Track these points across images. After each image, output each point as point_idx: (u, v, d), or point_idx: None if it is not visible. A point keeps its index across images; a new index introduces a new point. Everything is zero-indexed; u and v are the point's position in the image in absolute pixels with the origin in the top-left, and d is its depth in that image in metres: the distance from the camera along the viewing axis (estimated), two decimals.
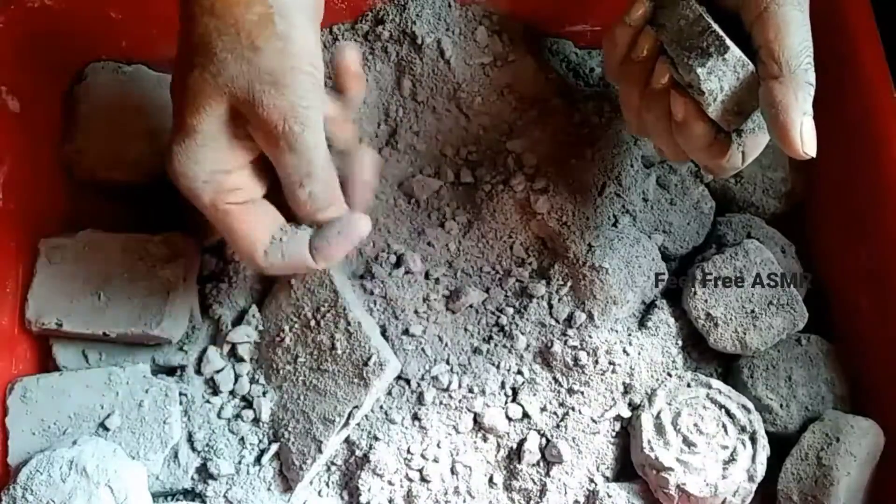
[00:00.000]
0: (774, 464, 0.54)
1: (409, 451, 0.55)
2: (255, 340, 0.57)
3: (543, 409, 0.55)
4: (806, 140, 0.44)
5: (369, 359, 0.53)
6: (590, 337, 0.55)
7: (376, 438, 0.55)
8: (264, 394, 0.56)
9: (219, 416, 0.56)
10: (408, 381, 0.56)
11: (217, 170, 0.46)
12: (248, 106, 0.44)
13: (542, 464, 0.55)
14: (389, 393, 0.56)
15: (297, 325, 0.56)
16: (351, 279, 0.58)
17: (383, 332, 0.57)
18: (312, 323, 0.55)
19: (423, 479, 0.55)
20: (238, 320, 0.58)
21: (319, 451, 0.53)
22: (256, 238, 0.48)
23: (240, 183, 0.47)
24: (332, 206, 0.49)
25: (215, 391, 0.56)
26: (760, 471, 0.53)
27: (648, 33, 0.48)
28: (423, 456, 0.55)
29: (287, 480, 0.55)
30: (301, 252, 0.49)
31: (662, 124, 0.49)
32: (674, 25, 0.47)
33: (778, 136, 0.44)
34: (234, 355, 0.57)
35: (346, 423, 0.54)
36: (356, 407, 0.54)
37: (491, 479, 0.55)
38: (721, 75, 0.46)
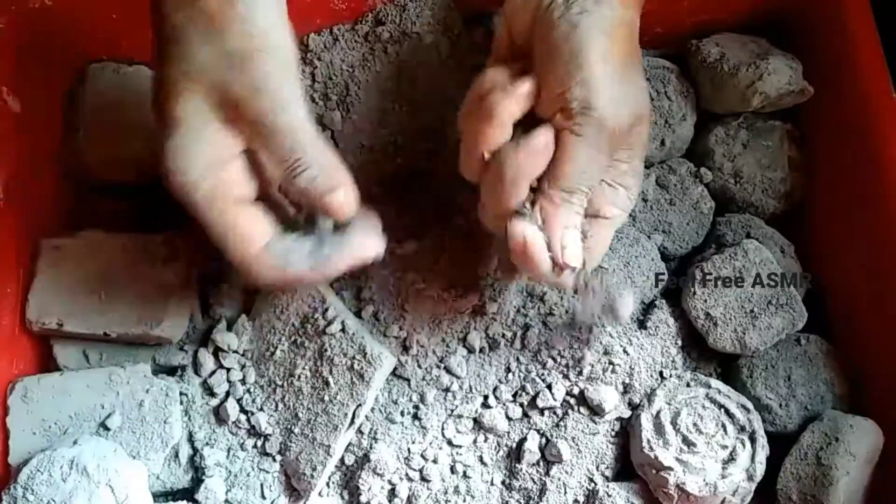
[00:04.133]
0: (774, 463, 0.54)
1: (409, 451, 0.55)
2: (245, 349, 0.57)
3: (543, 409, 0.55)
4: (565, 253, 0.47)
5: (365, 356, 0.54)
6: (589, 337, 0.55)
7: (376, 438, 0.55)
8: (261, 408, 0.56)
9: (217, 416, 0.56)
10: (408, 381, 0.56)
11: (211, 161, 0.44)
12: (223, 92, 0.43)
13: (541, 463, 0.55)
14: (390, 393, 0.56)
15: (286, 337, 0.56)
16: (342, 285, 0.58)
17: (384, 334, 0.57)
18: (301, 332, 0.55)
19: (424, 479, 0.55)
20: (237, 321, 0.58)
21: (329, 454, 0.53)
22: (254, 238, 0.46)
23: (235, 176, 0.46)
24: (339, 188, 0.45)
25: (212, 393, 0.56)
26: (760, 470, 0.53)
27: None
28: (423, 456, 0.55)
29: (297, 492, 0.55)
30: (298, 261, 0.46)
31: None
32: None
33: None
34: (217, 357, 0.57)
35: (352, 423, 0.54)
36: (359, 405, 0.54)
37: (491, 479, 0.56)
38: None
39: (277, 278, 0.47)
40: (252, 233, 0.46)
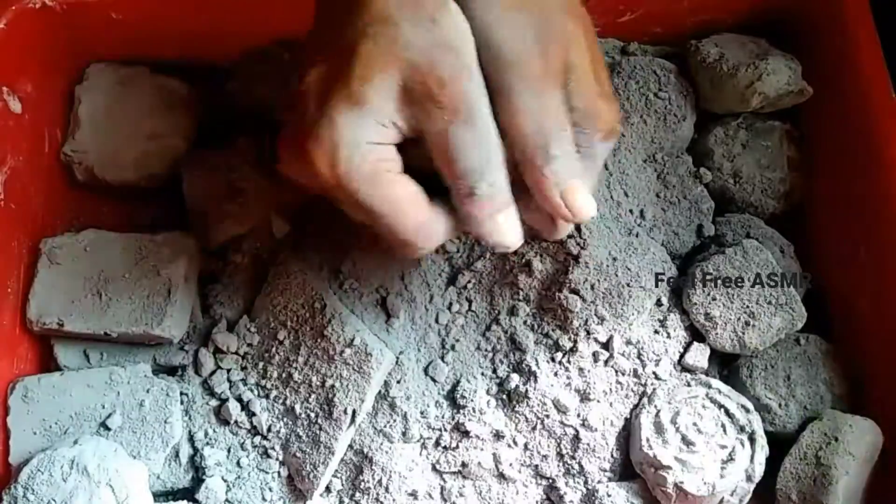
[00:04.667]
0: (773, 463, 0.54)
1: (409, 451, 0.55)
2: (246, 349, 0.57)
3: (538, 410, 0.55)
4: (576, 209, 0.44)
5: (365, 354, 0.54)
6: (589, 335, 0.55)
7: (376, 438, 0.55)
8: (262, 408, 0.56)
9: (218, 416, 0.56)
10: (405, 384, 0.56)
11: (377, 141, 0.43)
12: (426, 71, 0.42)
13: (537, 465, 0.55)
14: (388, 392, 0.56)
15: (287, 337, 0.56)
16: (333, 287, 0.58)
17: (387, 331, 0.57)
18: (301, 331, 0.55)
19: (426, 479, 0.55)
20: (237, 322, 0.58)
21: (331, 453, 0.54)
22: (423, 201, 0.44)
23: (393, 154, 0.44)
24: (503, 211, 0.44)
25: (213, 393, 0.56)
26: (759, 471, 0.53)
27: None
28: (425, 456, 0.55)
29: (301, 492, 0.55)
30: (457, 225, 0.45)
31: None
32: None
33: (555, 215, 0.45)
34: (217, 357, 0.57)
35: (353, 422, 0.54)
36: (361, 402, 0.54)
37: (487, 479, 0.55)
38: None
39: (443, 239, 0.46)
40: (419, 194, 0.44)
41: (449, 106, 0.42)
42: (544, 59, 0.43)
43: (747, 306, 0.57)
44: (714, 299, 0.57)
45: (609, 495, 0.54)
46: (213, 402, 0.56)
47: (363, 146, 0.42)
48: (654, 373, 0.56)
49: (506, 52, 0.42)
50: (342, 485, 0.55)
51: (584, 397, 0.55)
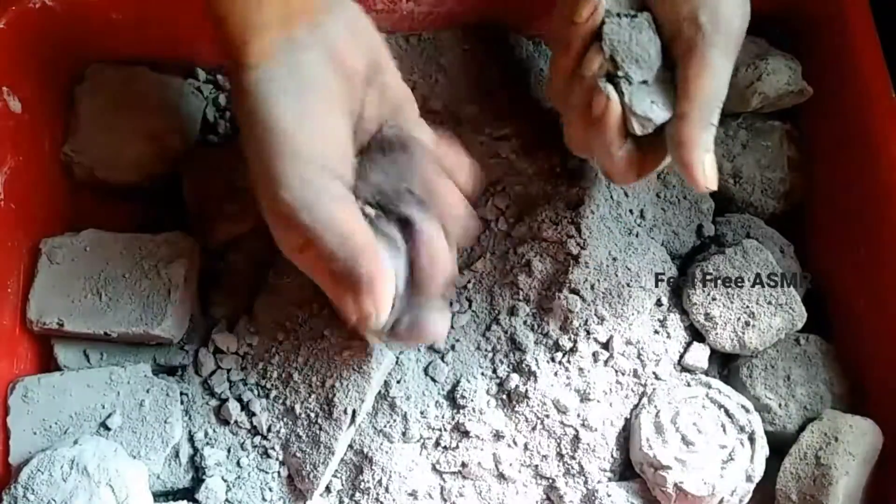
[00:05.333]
0: (773, 463, 0.54)
1: (409, 451, 0.55)
2: (246, 349, 0.57)
3: (538, 410, 0.55)
4: (708, 177, 0.47)
5: (364, 354, 0.54)
6: (589, 335, 0.55)
7: (376, 438, 0.55)
8: (262, 408, 0.56)
9: (218, 415, 0.56)
10: (405, 384, 0.56)
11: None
12: None
13: (537, 465, 0.55)
14: (388, 392, 0.56)
15: (286, 337, 0.56)
16: None
17: None
18: (301, 331, 0.55)
19: (425, 479, 0.55)
20: (237, 322, 0.58)
21: (331, 453, 0.53)
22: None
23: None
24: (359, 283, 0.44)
25: (213, 393, 0.56)
26: (759, 471, 0.53)
27: (597, 50, 0.49)
28: (425, 456, 0.55)
29: (301, 492, 0.55)
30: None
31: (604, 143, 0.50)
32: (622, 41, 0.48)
33: (682, 171, 0.48)
34: (217, 357, 0.57)
35: (353, 421, 0.54)
36: (360, 402, 0.54)
37: (486, 480, 0.55)
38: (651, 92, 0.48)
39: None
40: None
41: None
42: (742, 36, 0.47)
43: (747, 306, 0.57)
44: (714, 299, 0.57)
45: (609, 495, 0.54)
46: (213, 402, 0.56)
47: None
48: (654, 373, 0.56)
49: (724, 15, 0.47)
50: (342, 485, 0.55)
51: (584, 397, 0.55)
